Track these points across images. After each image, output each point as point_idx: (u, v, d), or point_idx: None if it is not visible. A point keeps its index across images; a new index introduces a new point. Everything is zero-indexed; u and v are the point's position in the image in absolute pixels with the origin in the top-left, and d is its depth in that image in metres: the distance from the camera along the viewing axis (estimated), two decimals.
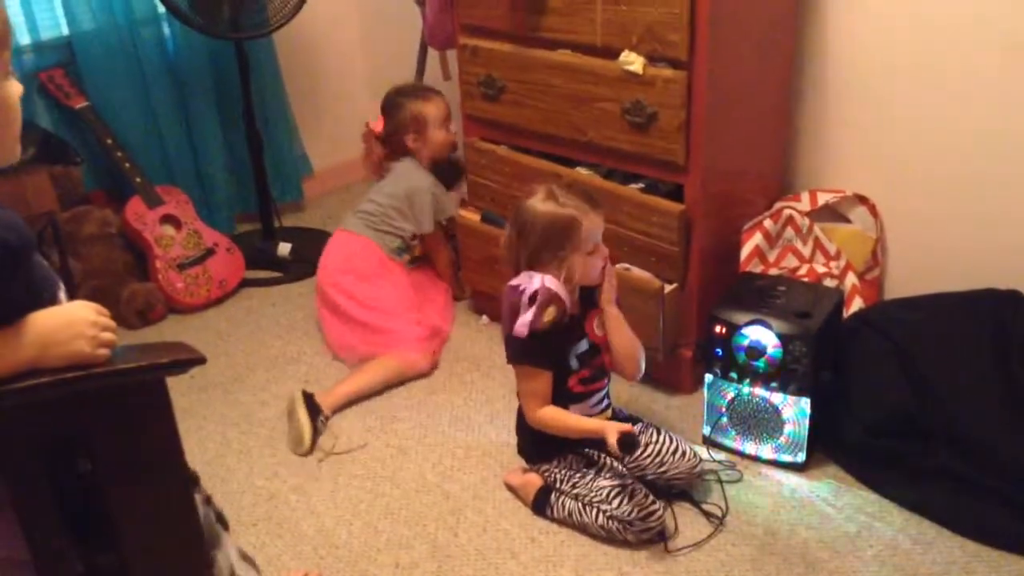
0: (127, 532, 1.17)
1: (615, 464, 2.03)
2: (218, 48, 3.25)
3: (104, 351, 1.13)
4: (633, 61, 2.17)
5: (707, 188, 2.25)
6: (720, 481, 2.14)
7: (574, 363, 2.01)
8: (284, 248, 3.28)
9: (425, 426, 2.44)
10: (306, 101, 3.67)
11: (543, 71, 2.37)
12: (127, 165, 3.04)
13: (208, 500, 1.43)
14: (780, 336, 2.07)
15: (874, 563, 1.93)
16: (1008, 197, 2.30)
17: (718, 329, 2.15)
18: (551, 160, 2.49)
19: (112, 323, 1.17)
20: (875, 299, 2.51)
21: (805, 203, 2.52)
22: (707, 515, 2.07)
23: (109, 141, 3.01)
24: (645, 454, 2.05)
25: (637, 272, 2.36)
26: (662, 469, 2.05)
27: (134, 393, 1.15)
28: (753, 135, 2.43)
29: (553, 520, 2.08)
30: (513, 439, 2.28)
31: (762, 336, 2.09)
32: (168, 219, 3.09)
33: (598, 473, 2.01)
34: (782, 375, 2.09)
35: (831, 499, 2.10)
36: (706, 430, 2.27)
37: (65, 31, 3.02)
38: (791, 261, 2.46)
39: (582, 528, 2.03)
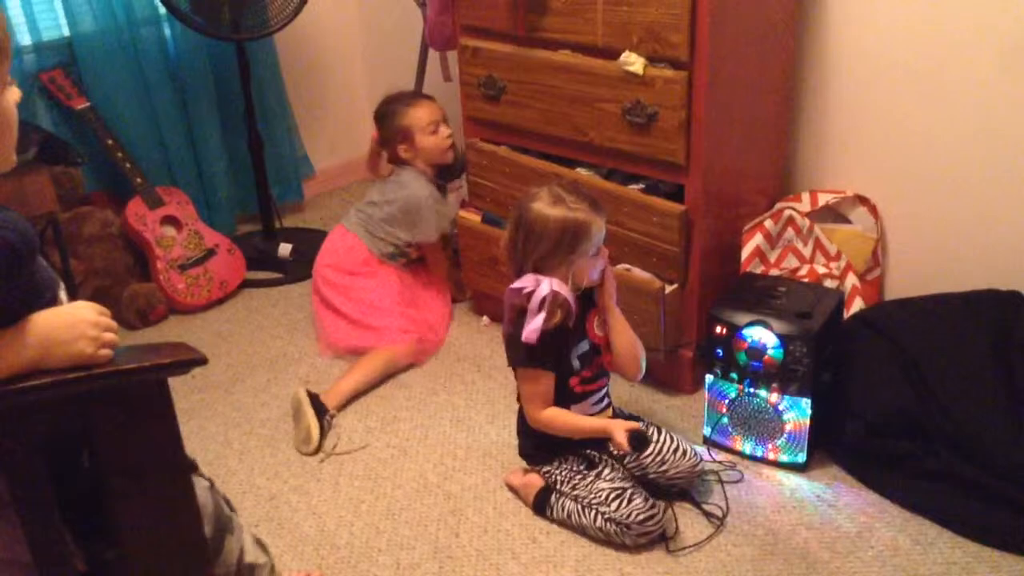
0: (128, 531, 1.17)
1: (615, 466, 2.03)
2: (219, 49, 3.25)
3: (106, 351, 1.13)
4: (634, 62, 2.17)
5: (708, 188, 2.26)
6: (721, 481, 2.14)
7: (576, 364, 2.01)
8: (285, 249, 3.28)
9: (426, 427, 2.44)
10: (307, 102, 3.68)
11: (544, 72, 2.37)
12: (128, 166, 3.04)
13: (212, 486, 1.43)
14: (780, 337, 2.07)
15: (875, 563, 1.93)
16: (1008, 198, 2.30)
17: (718, 329, 2.15)
18: (552, 161, 2.49)
19: (114, 324, 1.17)
20: (875, 300, 2.51)
21: (805, 203, 2.52)
22: (708, 515, 2.07)
23: (110, 142, 3.02)
24: (646, 453, 2.05)
25: (638, 272, 2.36)
26: (663, 468, 2.06)
27: (136, 393, 1.15)
28: (753, 135, 2.44)
29: (553, 521, 2.08)
30: (514, 439, 2.28)
31: (762, 337, 2.09)
32: (169, 220, 3.09)
33: (598, 475, 2.01)
34: (782, 376, 2.09)
35: (832, 499, 2.11)
36: (707, 430, 2.27)
37: (66, 32, 3.02)
38: (791, 262, 2.46)
39: (581, 530, 2.04)
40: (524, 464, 2.20)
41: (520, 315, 1.93)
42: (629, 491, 1.97)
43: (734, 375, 2.16)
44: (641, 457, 2.05)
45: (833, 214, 2.58)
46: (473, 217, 2.75)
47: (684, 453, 2.07)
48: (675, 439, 2.08)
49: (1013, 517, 1.95)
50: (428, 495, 2.20)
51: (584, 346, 2.02)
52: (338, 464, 2.32)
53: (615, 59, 2.20)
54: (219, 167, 3.41)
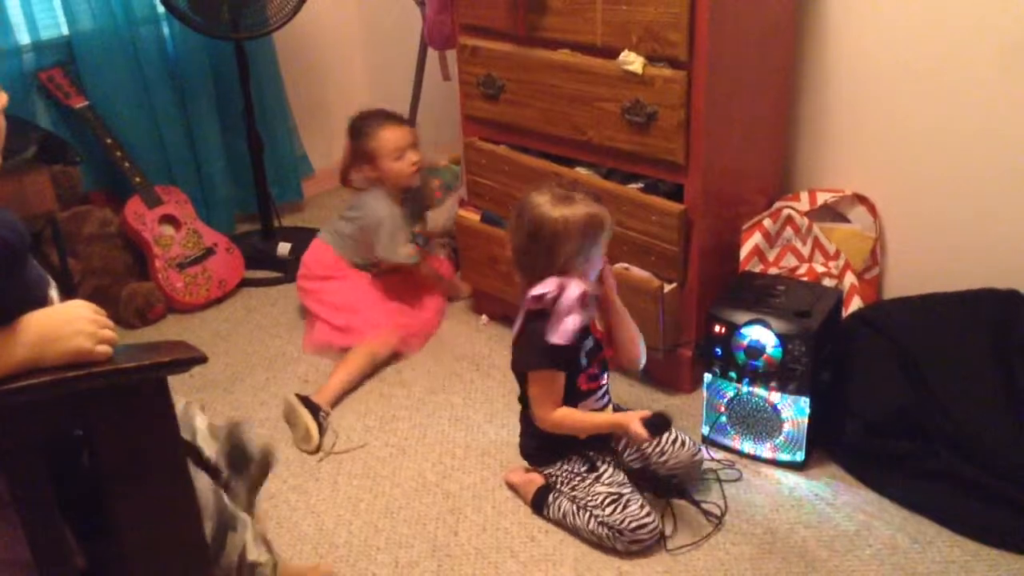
0: (128, 530, 1.17)
1: (616, 470, 2.03)
2: (218, 48, 3.25)
3: (105, 348, 1.13)
4: (633, 61, 2.17)
5: (707, 187, 2.26)
6: (719, 480, 2.15)
7: (583, 361, 2.01)
8: (284, 248, 3.28)
9: (424, 425, 2.44)
10: (306, 101, 3.68)
11: (543, 71, 2.37)
12: (126, 165, 3.04)
13: (216, 482, 1.43)
14: (779, 335, 2.08)
15: (873, 562, 1.93)
16: (1007, 197, 2.30)
17: (717, 328, 2.15)
18: (551, 160, 2.49)
19: (110, 322, 1.17)
20: (874, 298, 2.51)
21: (804, 203, 2.52)
22: (706, 514, 2.07)
23: (109, 141, 3.02)
24: (646, 444, 2.06)
25: (637, 271, 2.36)
26: (663, 459, 2.07)
27: (135, 392, 1.15)
28: (753, 134, 2.44)
29: (549, 520, 2.09)
30: (512, 438, 2.29)
31: (761, 335, 2.10)
32: (167, 219, 3.09)
33: (597, 478, 2.01)
34: (781, 374, 2.10)
35: (830, 498, 2.11)
36: (705, 429, 2.27)
37: (65, 31, 3.02)
38: (790, 260, 2.46)
39: (574, 531, 2.04)
40: (523, 463, 2.20)
41: (538, 318, 1.92)
42: (626, 497, 1.96)
43: (733, 374, 2.16)
44: (642, 448, 2.06)
45: (832, 213, 2.58)
46: (472, 216, 2.75)
47: (683, 444, 2.08)
48: (674, 431, 2.08)
49: (1012, 516, 1.96)
50: (427, 494, 2.20)
51: (589, 342, 2.02)
52: (337, 463, 2.32)
53: (614, 58, 2.20)
54: (218, 166, 3.41)
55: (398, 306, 2.84)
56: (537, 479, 2.12)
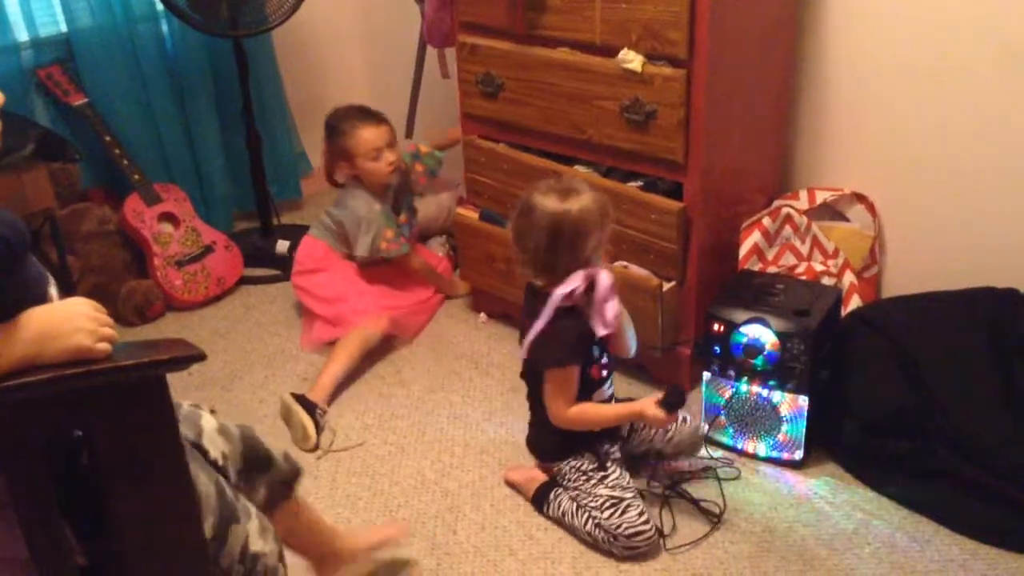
0: (127, 528, 1.17)
1: (622, 472, 2.03)
2: (217, 46, 3.25)
3: (105, 345, 1.13)
4: (632, 59, 2.17)
5: (706, 186, 2.26)
6: (718, 479, 2.15)
7: (596, 351, 2.02)
8: (283, 246, 3.28)
9: (423, 424, 2.44)
10: (305, 99, 3.67)
11: (542, 69, 2.37)
12: (125, 162, 3.03)
13: (221, 474, 1.42)
14: (778, 334, 2.08)
15: (872, 560, 1.93)
16: (1006, 196, 2.30)
17: (716, 327, 2.15)
18: (550, 158, 2.49)
19: (110, 320, 1.17)
20: (873, 297, 2.51)
21: (803, 201, 2.52)
22: (705, 512, 2.07)
23: (107, 138, 3.01)
24: (648, 425, 2.10)
25: (636, 270, 2.36)
26: (668, 436, 2.12)
27: (134, 390, 1.15)
28: (752, 133, 2.44)
29: (548, 517, 2.09)
30: (511, 436, 2.29)
31: (760, 334, 2.10)
32: (166, 216, 3.09)
33: (603, 479, 2.01)
34: (780, 373, 2.10)
35: (829, 497, 2.11)
36: (704, 428, 2.27)
37: (63, 28, 3.01)
38: (789, 259, 2.46)
39: (571, 531, 2.04)
40: (522, 461, 2.21)
41: (566, 315, 1.91)
42: (626, 503, 1.96)
43: (732, 372, 2.16)
44: (645, 430, 2.10)
45: (831, 212, 2.58)
46: (471, 214, 2.75)
47: (684, 420, 2.14)
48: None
49: (1010, 515, 1.96)
50: (425, 492, 2.20)
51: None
52: (336, 461, 2.32)
53: (613, 57, 2.20)
54: (217, 164, 3.40)
55: (388, 290, 2.85)
56: (539, 476, 2.12)
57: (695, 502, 2.09)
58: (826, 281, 2.37)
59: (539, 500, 2.10)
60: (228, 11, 2.96)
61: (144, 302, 2.96)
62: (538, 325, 1.92)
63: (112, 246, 3.01)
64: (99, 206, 3.03)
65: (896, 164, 2.47)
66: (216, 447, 1.43)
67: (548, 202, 1.90)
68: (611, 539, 1.95)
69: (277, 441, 2.36)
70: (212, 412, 1.51)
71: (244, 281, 3.20)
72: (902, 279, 2.52)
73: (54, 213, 2.71)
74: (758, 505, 2.09)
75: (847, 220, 2.58)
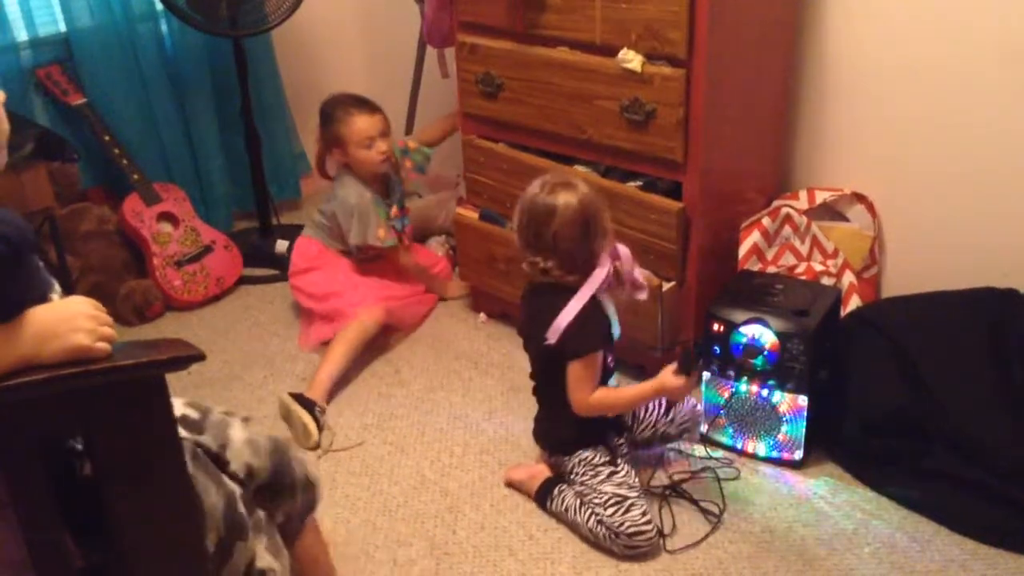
0: (126, 529, 1.17)
1: (629, 470, 2.03)
2: (216, 45, 3.25)
3: (104, 345, 1.12)
4: (632, 59, 2.17)
5: (705, 186, 2.26)
6: (717, 479, 2.14)
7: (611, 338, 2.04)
8: (282, 245, 3.27)
9: (423, 423, 2.44)
10: (304, 99, 3.66)
11: (542, 69, 2.37)
12: (125, 162, 3.03)
13: (242, 486, 1.40)
14: (778, 334, 2.07)
15: (871, 560, 1.93)
16: (1006, 196, 2.30)
17: (716, 327, 2.15)
18: (549, 158, 2.49)
19: (109, 319, 1.17)
20: (873, 297, 2.51)
21: (803, 201, 2.52)
22: (705, 513, 2.07)
23: (107, 138, 3.01)
24: (649, 409, 2.14)
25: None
26: (670, 417, 2.15)
27: (133, 390, 1.15)
28: (751, 133, 2.44)
29: (551, 513, 2.09)
30: (511, 435, 2.29)
31: (760, 334, 2.10)
32: (166, 216, 3.09)
33: (610, 475, 2.01)
34: (779, 373, 2.10)
35: (828, 497, 2.11)
36: (703, 428, 2.27)
37: (62, 28, 3.01)
38: (789, 259, 2.46)
39: (573, 526, 2.04)
40: (522, 461, 2.21)
41: (592, 303, 1.93)
42: (630, 502, 1.96)
43: (731, 372, 2.16)
44: (646, 415, 2.14)
45: (831, 212, 2.58)
46: (471, 214, 2.75)
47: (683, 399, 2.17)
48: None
49: (1011, 515, 1.95)
50: (425, 492, 2.20)
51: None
52: (335, 461, 2.31)
53: (613, 56, 2.20)
54: (216, 164, 3.40)
55: (382, 281, 2.85)
56: (542, 472, 2.12)
57: (695, 502, 2.09)
58: (826, 281, 2.37)
59: (543, 495, 2.10)
60: (227, 11, 2.96)
61: (143, 302, 2.96)
62: (568, 314, 1.91)
63: (111, 246, 3.00)
64: (98, 206, 3.03)
65: (896, 164, 2.47)
66: (240, 459, 1.40)
67: (561, 198, 1.91)
68: (612, 536, 1.95)
69: None
70: (246, 420, 1.48)
71: (243, 281, 3.19)
72: (902, 279, 2.52)
73: (53, 213, 2.71)
74: (758, 505, 2.09)
75: (847, 220, 2.58)
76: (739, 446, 2.24)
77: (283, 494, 1.48)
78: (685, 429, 2.19)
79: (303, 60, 3.63)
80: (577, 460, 2.04)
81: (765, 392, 2.13)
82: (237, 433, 1.42)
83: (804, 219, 2.46)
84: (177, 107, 3.27)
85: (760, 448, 2.21)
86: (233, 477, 1.38)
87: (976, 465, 2.01)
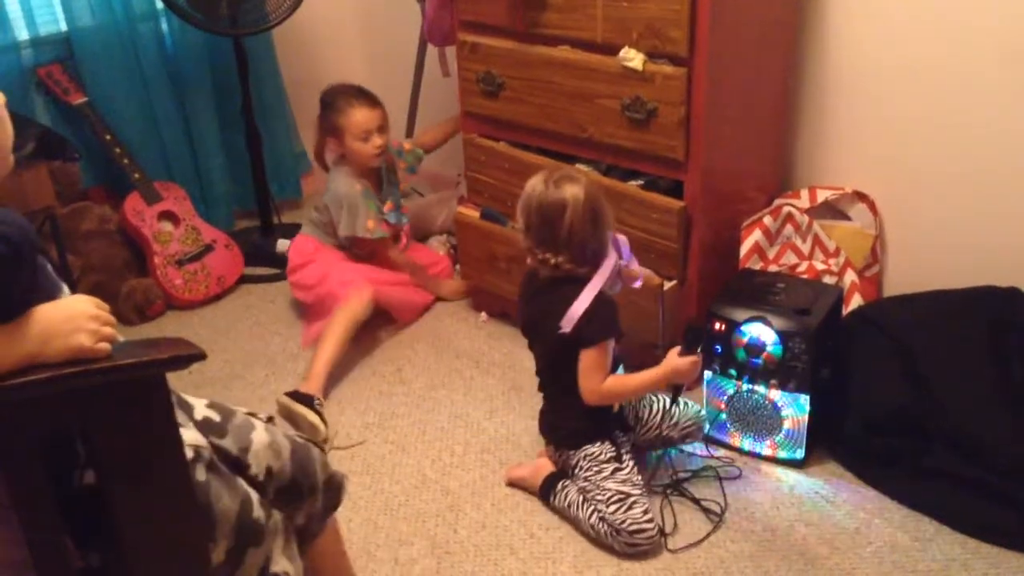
0: (126, 529, 1.17)
1: (633, 468, 2.03)
2: (217, 44, 3.25)
3: (104, 345, 1.12)
4: (633, 57, 2.16)
5: (707, 184, 2.25)
6: (719, 478, 2.14)
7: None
8: (283, 244, 3.27)
9: (424, 423, 2.44)
10: (305, 97, 3.65)
11: (543, 67, 2.37)
12: (125, 161, 3.03)
13: (262, 486, 1.39)
14: (779, 333, 2.07)
15: (873, 559, 1.93)
16: (1007, 195, 2.30)
17: (717, 326, 2.15)
18: (550, 156, 2.49)
19: (112, 318, 1.17)
20: (874, 296, 2.51)
21: (804, 200, 2.52)
22: (706, 512, 2.07)
23: (107, 137, 3.01)
24: (653, 412, 2.13)
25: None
26: (673, 421, 2.14)
27: (134, 389, 1.15)
28: (753, 132, 2.43)
29: (554, 508, 2.09)
30: (513, 435, 2.29)
31: (761, 333, 2.09)
32: (167, 215, 3.09)
33: (614, 472, 2.01)
34: (781, 372, 2.09)
35: (830, 496, 2.11)
36: (705, 427, 2.27)
37: (63, 27, 3.02)
38: (790, 258, 2.46)
39: (575, 522, 2.04)
40: (523, 460, 2.20)
41: (602, 292, 1.94)
42: (632, 499, 1.97)
43: (733, 371, 2.16)
44: (650, 417, 2.13)
45: (832, 210, 2.58)
46: (472, 213, 2.75)
47: (686, 404, 2.16)
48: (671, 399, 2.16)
49: (1012, 514, 1.95)
50: (426, 491, 2.20)
51: None
52: (336, 460, 2.31)
53: (614, 55, 2.20)
54: (217, 163, 3.40)
55: (373, 267, 2.86)
56: (545, 467, 2.13)
57: (696, 501, 2.09)
58: (827, 280, 2.37)
59: (546, 489, 2.10)
60: (228, 9, 2.96)
61: (144, 301, 2.96)
62: (582, 303, 1.93)
63: (112, 245, 3.01)
64: (99, 205, 3.03)
65: (897, 163, 2.47)
66: (260, 463, 1.39)
67: (569, 191, 1.92)
68: (614, 533, 1.95)
69: None
70: (270, 420, 1.47)
71: (244, 280, 3.20)
72: (903, 278, 2.52)
73: (54, 212, 2.71)
74: (759, 504, 2.09)
75: (848, 219, 2.58)
76: (741, 445, 2.24)
77: (304, 496, 1.47)
78: (688, 434, 2.18)
79: (304, 59, 3.63)
80: (582, 455, 2.04)
81: (766, 391, 2.13)
82: (260, 436, 1.40)
83: (805, 218, 2.46)
84: (178, 106, 3.27)
85: (762, 447, 2.21)
86: (253, 480, 1.37)
87: (977, 464, 2.01)
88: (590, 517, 1.99)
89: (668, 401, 2.15)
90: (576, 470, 2.06)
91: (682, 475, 2.16)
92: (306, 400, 2.40)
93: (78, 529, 1.18)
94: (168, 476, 1.20)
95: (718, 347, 2.16)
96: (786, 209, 2.45)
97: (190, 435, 1.30)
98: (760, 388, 2.14)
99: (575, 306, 1.92)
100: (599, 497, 1.98)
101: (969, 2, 2.22)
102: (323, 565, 1.61)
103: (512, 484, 2.19)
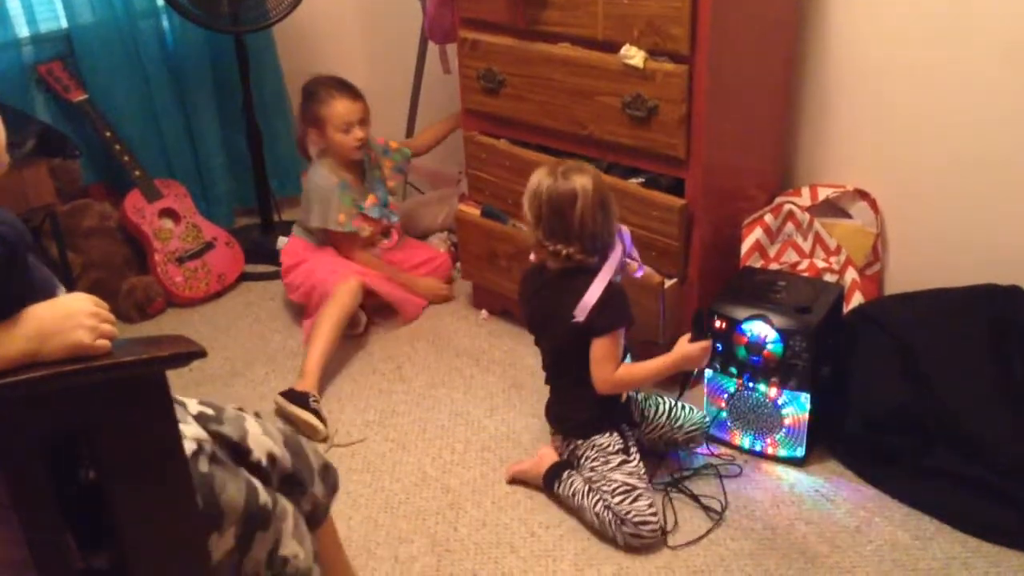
0: (127, 528, 1.16)
1: (640, 462, 2.04)
2: (218, 41, 3.24)
3: (104, 342, 1.12)
4: (634, 55, 2.16)
5: (708, 182, 2.25)
6: (719, 476, 2.14)
7: None
8: (283, 242, 3.26)
9: (425, 420, 2.44)
10: None
11: (543, 65, 2.36)
12: (126, 158, 3.03)
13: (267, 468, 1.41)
14: (780, 331, 2.07)
15: (874, 558, 1.93)
16: (1008, 193, 2.29)
17: (718, 324, 2.14)
18: (551, 154, 2.48)
19: (111, 316, 1.17)
20: (875, 294, 2.51)
21: (805, 198, 2.52)
22: (707, 510, 2.07)
23: (108, 134, 3.01)
24: (658, 412, 2.14)
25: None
26: (678, 424, 2.14)
27: (134, 387, 1.14)
28: (754, 129, 2.43)
29: (556, 496, 2.09)
30: (513, 433, 2.29)
31: (762, 331, 2.09)
32: (167, 213, 3.09)
33: (621, 463, 2.01)
34: (782, 370, 2.09)
35: (830, 494, 2.11)
36: (707, 419, 2.26)
37: (64, 24, 3.01)
38: (791, 256, 2.46)
39: (579, 511, 2.04)
40: (523, 458, 2.21)
41: (611, 282, 1.96)
42: (638, 491, 1.97)
43: (733, 369, 2.16)
44: (655, 417, 2.14)
45: (833, 208, 2.58)
46: (472, 211, 2.74)
47: (691, 409, 2.17)
48: (677, 401, 2.17)
49: (1013, 513, 1.95)
50: (426, 489, 2.20)
51: None
52: (336, 458, 2.31)
53: (615, 52, 2.20)
54: (217, 160, 3.40)
55: (368, 266, 2.87)
56: (550, 456, 2.13)
57: (697, 499, 2.09)
58: (828, 278, 2.37)
59: (550, 478, 2.10)
60: (229, 7, 2.95)
61: (145, 298, 2.96)
62: (595, 292, 1.94)
63: (113, 242, 3.00)
64: (100, 202, 3.03)
65: (898, 161, 2.47)
66: (262, 448, 1.41)
67: (578, 182, 1.94)
68: (618, 523, 1.95)
69: None
70: (256, 416, 1.49)
71: (245, 277, 3.19)
72: (904, 276, 2.52)
73: (55, 209, 2.71)
74: (760, 502, 2.09)
75: (849, 217, 2.58)
76: (741, 443, 2.24)
77: (306, 483, 1.50)
78: (691, 438, 2.18)
79: (305, 56, 3.62)
80: (591, 445, 2.05)
81: (767, 389, 2.13)
82: (253, 426, 1.43)
83: (806, 216, 2.46)
84: (178, 103, 3.27)
85: (762, 445, 2.21)
86: (256, 467, 1.39)
87: (977, 462, 2.01)
88: (595, 506, 1.99)
89: (674, 400, 2.16)
90: (583, 460, 2.06)
91: (683, 473, 2.16)
92: (301, 398, 2.40)
93: (86, 528, 1.18)
94: (168, 474, 1.19)
95: (719, 345, 2.16)
96: (787, 207, 2.45)
97: (190, 430, 1.31)
98: (761, 386, 2.14)
99: (588, 295, 1.94)
100: (605, 488, 1.99)
101: (971, 1, 2.21)
102: (322, 555, 1.62)
103: (513, 480, 2.19)
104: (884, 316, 2.23)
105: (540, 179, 1.98)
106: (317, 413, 2.38)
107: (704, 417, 2.19)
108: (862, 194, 2.54)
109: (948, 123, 2.34)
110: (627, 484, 1.98)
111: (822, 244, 2.46)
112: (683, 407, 2.17)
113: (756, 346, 2.10)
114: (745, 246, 2.43)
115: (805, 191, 2.54)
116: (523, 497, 2.15)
